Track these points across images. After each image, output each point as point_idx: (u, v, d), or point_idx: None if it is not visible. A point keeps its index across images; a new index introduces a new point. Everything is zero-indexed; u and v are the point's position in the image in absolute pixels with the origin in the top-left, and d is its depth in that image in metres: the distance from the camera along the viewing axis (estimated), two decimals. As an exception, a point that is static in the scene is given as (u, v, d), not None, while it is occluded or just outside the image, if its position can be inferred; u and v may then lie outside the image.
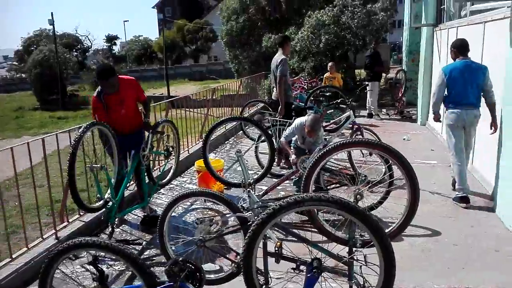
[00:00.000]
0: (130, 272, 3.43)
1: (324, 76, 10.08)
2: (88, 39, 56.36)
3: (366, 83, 9.57)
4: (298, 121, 4.62)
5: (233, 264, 2.98)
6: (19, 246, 3.76)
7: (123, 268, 3.51)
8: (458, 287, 3.05)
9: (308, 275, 2.12)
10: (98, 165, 3.67)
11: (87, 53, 56.38)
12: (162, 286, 2.10)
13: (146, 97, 4.45)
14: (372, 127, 7.29)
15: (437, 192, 4.95)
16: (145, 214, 4.37)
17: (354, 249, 2.67)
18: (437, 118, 4.93)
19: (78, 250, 2.21)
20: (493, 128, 4.47)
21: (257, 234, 2.18)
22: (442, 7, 7.93)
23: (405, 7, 11.82)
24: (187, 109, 7.44)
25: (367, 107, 10.03)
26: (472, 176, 5.41)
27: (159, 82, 36.63)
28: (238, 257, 3.02)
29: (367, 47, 12.60)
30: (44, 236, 3.82)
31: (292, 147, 4.78)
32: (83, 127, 3.58)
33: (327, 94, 8.12)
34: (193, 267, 2.14)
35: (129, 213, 4.52)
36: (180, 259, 2.13)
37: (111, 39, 57.10)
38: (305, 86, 9.78)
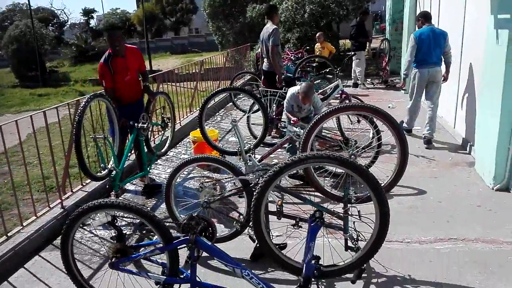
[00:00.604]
0: (137, 236, 3.63)
1: (315, 47, 10.22)
2: (64, 13, 54.94)
3: (352, 52, 9.73)
4: (290, 91, 4.76)
5: (236, 223, 3.18)
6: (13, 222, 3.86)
7: (130, 233, 3.70)
8: (443, 238, 3.32)
9: (312, 224, 2.32)
10: (102, 136, 3.80)
11: (63, 28, 54.82)
12: (179, 240, 2.29)
13: (146, 68, 4.61)
14: (358, 96, 7.47)
15: (422, 155, 5.21)
16: (145, 183, 4.53)
17: (348, 205, 2.91)
18: (404, 84, 6.15)
19: (99, 210, 2.36)
20: (443, 78, 5.60)
21: (265, 190, 2.37)
22: (425, -25, 8.04)
23: (388, -25, 11.86)
24: (171, 84, 7.49)
25: (352, 77, 10.22)
26: (455, 140, 5.70)
27: (140, 56, 35.96)
28: (241, 216, 3.23)
29: (349, 16, 12.71)
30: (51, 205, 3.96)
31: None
32: (86, 97, 3.70)
33: (314, 64, 8.28)
34: (206, 222, 2.33)
35: (129, 183, 4.67)
36: (196, 214, 2.31)
37: (88, 13, 55.45)
38: (292, 57, 9.88)
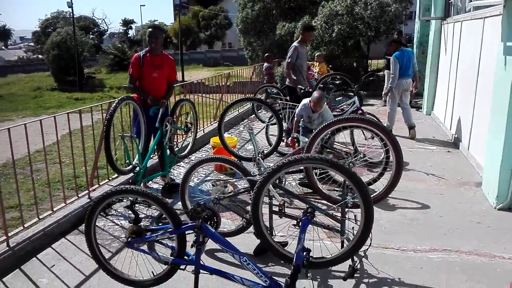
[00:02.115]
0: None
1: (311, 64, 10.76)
2: (105, 22, 57.18)
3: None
4: (303, 102, 5.05)
5: (243, 220, 3.47)
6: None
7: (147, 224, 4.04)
8: (438, 248, 3.50)
9: (303, 218, 2.57)
10: (129, 134, 4.19)
11: (103, 37, 57.15)
12: (186, 225, 2.60)
13: (175, 80, 5.01)
14: (382, 114, 7.68)
15: (432, 173, 5.36)
16: (166, 182, 4.88)
17: (346, 209, 3.15)
18: (388, 93, 7.32)
19: (120, 195, 2.69)
20: (414, 88, 7.78)
21: (264, 185, 2.65)
22: (450, 1, 8.23)
23: (417, -1, 12.05)
24: (199, 94, 7.91)
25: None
26: (467, 161, 5.82)
27: (174, 67, 37.11)
28: (248, 214, 3.50)
29: (380, 38, 12.94)
30: (80, 195, 4.36)
31: (300, 127, 5.22)
32: (117, 100, 4.10)
33: (337, 81, 8.54)
34: (211, 211, 2.63)
35: (151, 181, 5.04)
36: (202, 202, 2.61)
37: (127, 23, 57.69)
38: (316, 74, 10.21)
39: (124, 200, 2.69)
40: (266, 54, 11.43)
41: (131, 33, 59.57)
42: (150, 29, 4.68)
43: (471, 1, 5.27)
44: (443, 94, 8.10)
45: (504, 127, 4.10)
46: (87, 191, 4.43)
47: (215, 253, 3.43)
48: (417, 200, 4.49)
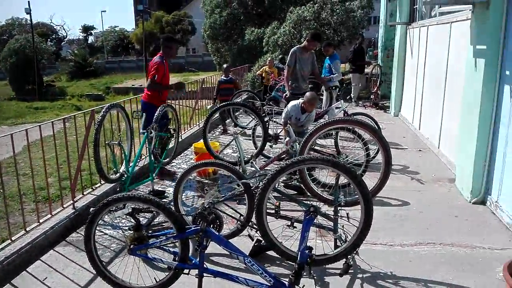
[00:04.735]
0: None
1: (263, 69, 10.99)
2: (64, 29, 55.57)
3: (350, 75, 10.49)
4: (292, 103, 5.08)
5: (237, 223, 3.52)
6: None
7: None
8: (423, 242, 3.69)
9: (307, 217, 2.65)
10: (116, 142, 4.15)
11: (62, 43, 55.55)
12: (191, 229, 2.63)
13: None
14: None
15: (407, 171, 5.61)
16: (150, 189, 4.85)
17: (338, 208, 3.28)
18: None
19: (121, 203, 2.69)
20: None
21: (267, 188, 2.72)
22: (415, 6, 8.63)
23: (381, 5, 12.51)
24: (170, 101, 7.86)
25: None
26: (439, 159, 6.12)
27: (137, 74, 36.72)
28: (241, 217, 3.56)
29: (344, 43, 13.35)
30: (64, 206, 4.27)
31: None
32: (105, 107, 4.06)
33: (310, 85, 8.74)
34: (215, 215, 2.68)
35: (134, 189, 4.99)
36: (207, 206, 2.65)
37: (87, 30, 56.37)
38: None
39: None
40: (225, 65, 9.51)
41: (91, 39, 58.20)
42: (173, 40, 5.45)
43: (440, 7, 5.56)
44: (411, 96, 8.45)
45: (476, 125, 4.36)
46: (71, 202, 4.33)
47: (210, 257, 3.46)
48: (396, 197, 4.69)
